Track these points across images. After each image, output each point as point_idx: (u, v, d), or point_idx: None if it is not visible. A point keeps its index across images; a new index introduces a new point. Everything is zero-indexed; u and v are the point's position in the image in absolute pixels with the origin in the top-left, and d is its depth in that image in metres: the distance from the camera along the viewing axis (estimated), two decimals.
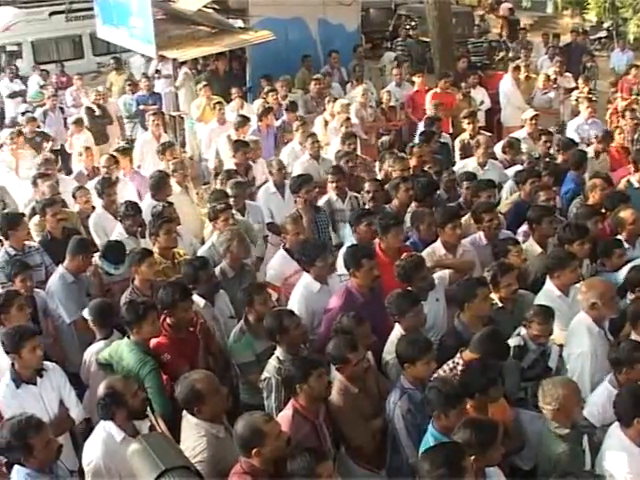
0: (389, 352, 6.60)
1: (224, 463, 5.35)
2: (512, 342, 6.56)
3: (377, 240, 8.07)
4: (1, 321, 7.02)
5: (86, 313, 7.16)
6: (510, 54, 19.97)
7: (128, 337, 6.68)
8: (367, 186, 9.44)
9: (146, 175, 11.40)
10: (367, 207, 9.09)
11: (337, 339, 6.15)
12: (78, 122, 13.94)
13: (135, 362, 6.44)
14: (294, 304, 7.43)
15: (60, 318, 7.83)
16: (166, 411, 6.23)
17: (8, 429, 5.18)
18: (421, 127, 12.63)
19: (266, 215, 10.07)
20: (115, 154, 11.42)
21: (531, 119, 12.29)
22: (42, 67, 19.50)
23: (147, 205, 9.56)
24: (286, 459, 5.12)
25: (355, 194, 9.88)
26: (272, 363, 6.33)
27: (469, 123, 12.26)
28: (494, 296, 7.15)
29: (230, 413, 5.88)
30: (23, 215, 9.14)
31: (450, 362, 6.30)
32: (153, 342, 6.71)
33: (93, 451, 5.54)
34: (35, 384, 6.35)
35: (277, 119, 13.54)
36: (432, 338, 6.64)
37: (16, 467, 5.25)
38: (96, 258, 8.32)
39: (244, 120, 12.69)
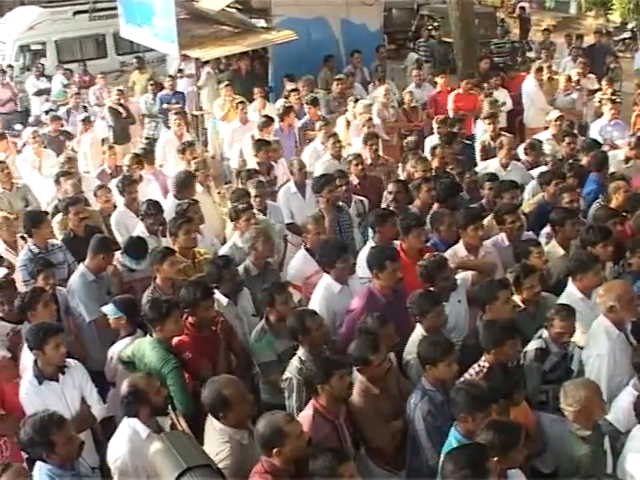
0: (410, 352, 6.58)
1: (247, 469, 5.34)
2: (533, 345, 6.54)
3: (399, 241, 8.06)
4: (27, 318, 7.07)
5: (108, 310, 7.17)
6: (533, 55, 19.88)
7: (150, 335, 6.70)
8: (389, 187, 9.44)
9: (168, 174, 11.46)
10: (390, 208, 9.03)
11: (359, 340, 6.14)
12: (86, 121, 13.97)
13: (157, 360, 6.45)
14: (315, 305, 7.41)
15: (81, 316, 7.86)
16: (188, 409, 6.25)
17: (31, 425, 5.22)
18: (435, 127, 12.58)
19: (286, 215, 10.06)
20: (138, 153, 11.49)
21: (556, 120, 12.21)
22: (66, 66, 19.60)
23: (170, 204, 9.59)
24: (307, 459, 5.12)
25: (361, 198, 9.89)
26: (294, 363, 6.34)
27: (490, 124, 12.19)
28: (516, 298, 7.12)
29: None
30: (46, 213, 9.19)
31: (476, 365, 6.28)
32: (175, 341, 6.72)
33: (119, 448, 5.56)
34: (57, 381, 6.39)
35: (299, 119, 13.56)
36: (454, 340, 6.61)
37: (38, 463, 5.30)
38: (118, 255, 8.37)
39: (268, 120, 12.70)
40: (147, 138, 15.99)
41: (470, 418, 5.39)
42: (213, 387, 5.60)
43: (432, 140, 12.09)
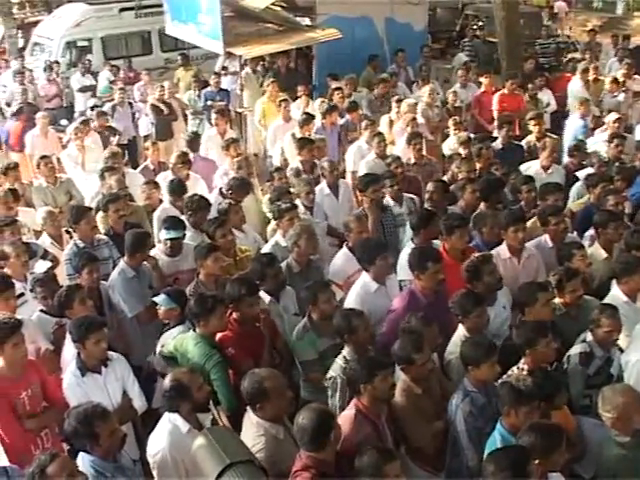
0: (451, 352, 6.58)
1: (281, 464, 5.37)
2: (577, 349, 6.49)
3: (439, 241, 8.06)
4: (66, 316, 7.14)
5: (160, 300, 7.23)
6: (578, 55, 19.66)
7: (194, 330, 6.74)
8: (428, 187, 9.41)
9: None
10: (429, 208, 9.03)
11: (403, 339, 6.14)
12: (85, 123, 13.86)
13: (201, 355, 6.49)
14: (350, 303, 7.42)
15: (123, 312, 7.93)
16: (231, 405, 6.29)
17: (75, 417, 5.28)
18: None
19: (320, 217, 10.00)
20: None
21: (614, 122, 12.06)
22: (112, 62, 19.76)
23: (214, 202, 9.66)
24: (345, 457, 5.16)
25: (411, 196, 9.85)
26: (339, 362, 6.34)
27: (535, 125, 12.10)
28: (558, 301, 7.07)
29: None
30: (89, 209, 9.25)
31: (515, 368, 6.25)
32: (218, 336, 6.76)
33: (159, 442, 5.60)
34: (100, 373, 6.46)
35: (342, 117, 13.55)
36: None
37: (81, 454, 5.35)
38: (155, 250, 8.44)
39: (308, 118, 12.73)
40: (190, 135, 16.11)
41: (514, 412, 5.43)
42: (254, 378, 5.63)
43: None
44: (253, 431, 5.57)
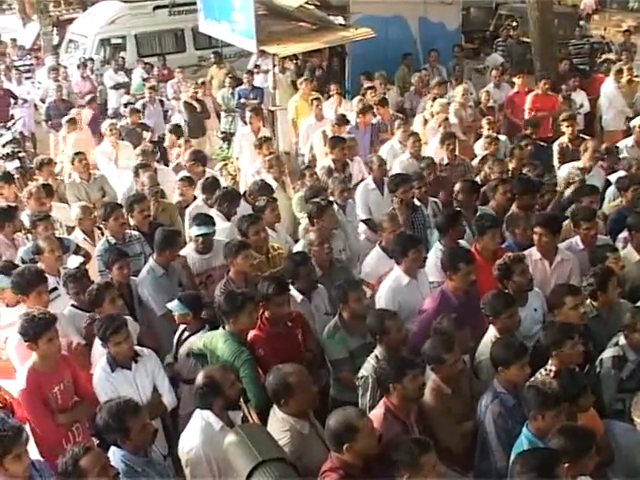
0: (482, 353, 6.56)
1: (306, 460, 5.38)
2: (610, 352, 6.43)
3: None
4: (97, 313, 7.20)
5: (173, 306, 7.26)
6: (613, 56, 19.49)
7: (223, 328, 6.76)
8: (456, 186, 9.40)
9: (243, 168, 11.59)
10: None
11: (433, 339, 6.15)
12: (71, 121, 13.99)
13: (230, 352, 6.51)
14: (381, 295, 7.44)
15: (152, 309, 7.96)
16: (260, 402, 6.27)
17: (107, 411, 5.32)
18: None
19: (364, 212, 10.09)
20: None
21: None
22: (145, 60, 19.89)
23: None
24: (377, 457, 5.14)
25: (435, 199, 9.84)
26: (370, 362, 6.33)
27: (568, 126, 11.96)
28: (590, 304, 7.02)
29: (319, 409, 5.93)
30: (119, 206, 9.28)
31: (542, 370, 6.21)
32: (250, 336, 6.76)
33: (192, 439, 5.61)
34: (130, 369, 6.51)
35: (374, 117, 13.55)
36: None
37: (112, 449, 5.39)
38: (187, 249, 8.47)
39: (343, 119, 12.75)
40: (223, 132, 16.19)
41: (540, 416, 5.39)
42: (278, 374, 5.65)
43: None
44: (278, 426, 5.60)
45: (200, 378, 5.72)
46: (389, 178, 9.71)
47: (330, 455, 5.22)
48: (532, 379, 5.99)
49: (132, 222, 9.38)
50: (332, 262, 8.10)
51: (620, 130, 13.89)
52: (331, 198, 9.51)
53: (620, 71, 15.05)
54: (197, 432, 5.62)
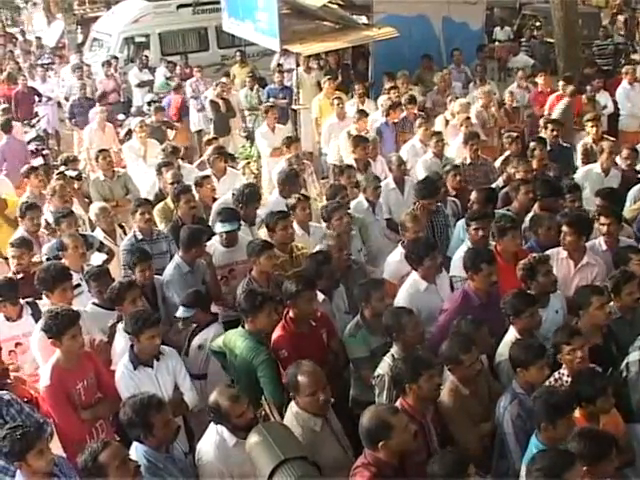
0: (502, 354, 6.52)
1: (315, 456, 5.33)
2: (636, 356, 6.34)
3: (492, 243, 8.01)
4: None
5: (180, 313, 7.35)
6: (638, 57, 19.37)
7: (243, 326, 6.77)
8: (472, 194, 9.30)
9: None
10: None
11: (451, 340, 6.12)
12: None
13: (248, 352, 6.52)
14: (399, 301, 7.39)
15: (176, 306, 7.86)
16: (278, 402, 6.23)
17: (131, 406, 5.35)
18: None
19: (385, 211, 10.07)
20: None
21: None
22: (168, 58, 19.98)
23: (274, 199, 9.72)
24: (410, 454, 5.16)
25: (453, 199, 9.82)
26: (387, 361, 6.32)
27: (592, 127, 11.88)
28: (614, 305, 6.98)
29: (339, 408, 5.94)
30: (148, 202, 9.32)
31: (556, 373, 6.18)
32: (273, 337, 6.76)
33: (206, 452, 5.60)
34: (152, 367, 6.52)
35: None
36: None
37: (135, 444, 5.41)
38: (212, 241, 8.47)
39: (363, 114, 12.77)
40: (247, 131, 16.23)
41: (551, 426, 5.31)
42: (293, 371, 5.68)
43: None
44: (291, 419, 5.62)
45: (211, 398, 5.62)
46: (417, 184, 9.51)
47: (364, 452, 5.21)
48: (544, 385, 5.93)
49: (158, 218, 9.48)
50: (349, 265, 8.08)
51: (634, 132, 13.82)
52: (361, 195, 9.58)
53: (634, 71, 14.95)
54: (211, 447, 5.58)
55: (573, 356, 6.09)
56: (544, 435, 5.35)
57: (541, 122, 12.63)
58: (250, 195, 9.13)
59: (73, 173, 10.86)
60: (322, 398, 5.59)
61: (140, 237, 8.75)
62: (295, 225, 8.72)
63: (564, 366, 6.16)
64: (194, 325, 7.42)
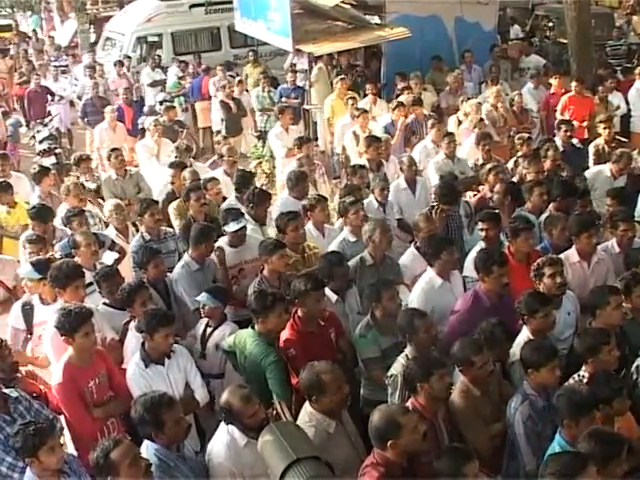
0: (514, 354, 6.49)
1: (327, 457, 5.30)
2: None
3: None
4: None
5: (204, 298, 7.29)
6: None
7: (253, 327, 6.77)
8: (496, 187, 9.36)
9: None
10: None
11: (463, 341, 6.11)
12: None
13: (258, 353, 6.53)
14: (414, 297, 7.43)
15: (186, 305, 7.96)
16: (287, 402, 6.26)
17: (142, 404, 5.36)
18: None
19: (396, 211, 10.05)
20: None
21: None
22: (181, 58, 20.01)
23: (284, 199, 9.72)
24: (419, 453, 5.15)
25: (466, 199, 9.83)
26: (400, 361, 6.32)
27: (605, 128, 11.81)
28: (625, 306, 6.96)
29: (349, 408, 5.89)
30: (155, 202, 9.36)
31: (576, 375, 6.17)
32: (282, 336, 6.75)
33: (216, 452, 5.59)
34: (163, 365, 6.52)
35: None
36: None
37: (146, 442, 5.42)
38: (220, 242, 8.47)
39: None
40: (259, 131, 16.24)
41: (574, 424, 5.31)
42: (312, 370, 5.65)
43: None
44: (305, 420, 5.61)
45: (222, 399, 5.62)
46: (438, 188, 9.39)
47: (373, 452, 5.21)
48: (565, 384, 5.95)
49: (173, 216, 9.51)
50: (385, 256, 8.09)
51: None
52: (371, 196, 9.58)
53: None
54: (222, 447, 5.56)
55: (610, 356, 6.07)
56: (567, 432, 5.36)
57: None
58: (260, 195, 9.15)
59: (92, 185, 10.91)
60: (346, 391, 5.63)
61: (148, 238, 8.78)
62: (310, 226, 8.78)
63: (584, 368, 6.14)
64: (204, 321, 7.40)
